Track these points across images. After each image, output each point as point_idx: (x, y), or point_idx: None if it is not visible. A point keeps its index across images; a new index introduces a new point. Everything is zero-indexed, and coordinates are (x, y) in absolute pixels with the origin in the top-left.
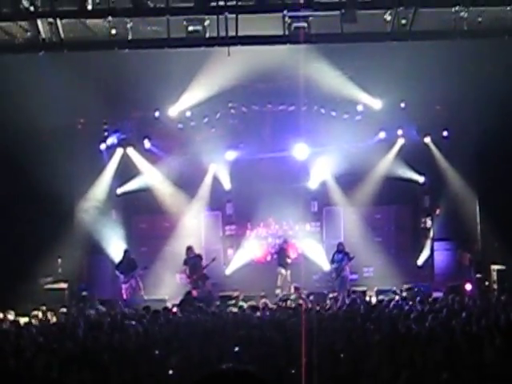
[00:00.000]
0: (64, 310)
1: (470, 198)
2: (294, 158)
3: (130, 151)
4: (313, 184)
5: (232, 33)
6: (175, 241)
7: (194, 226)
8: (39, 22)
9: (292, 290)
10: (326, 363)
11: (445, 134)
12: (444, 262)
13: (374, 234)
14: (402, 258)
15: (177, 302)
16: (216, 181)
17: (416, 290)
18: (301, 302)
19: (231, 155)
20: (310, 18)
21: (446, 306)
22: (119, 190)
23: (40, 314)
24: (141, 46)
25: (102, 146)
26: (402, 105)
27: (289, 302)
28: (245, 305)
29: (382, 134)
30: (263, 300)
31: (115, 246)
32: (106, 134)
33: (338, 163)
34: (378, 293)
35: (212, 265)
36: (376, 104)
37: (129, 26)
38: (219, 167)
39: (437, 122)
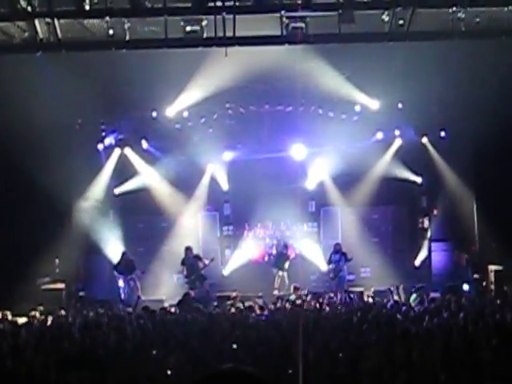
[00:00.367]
0: (61, 310)
1: (467, 198)
2: (291, 158)
3: (128, 151)
4: (310, 184)
5: (229, 33)
6: (173, 241)
7: (191, 227)
8: (37, 22)
9: (292, 290)
10: (323, 363)
11: (442, 134)
12: (441, 263)
13: (372, 234)
14: (399, 259)
15: (175, 302)
16: (213, 181)
17: (414, 290)
18: (299, 301)
19: (229, 156)
20: (308, 19)
21: (444, 306)
22: (117, 190)
23: (37, 314)
24: (138, 46)
25: (100, 146)
26: (400, 105)
27: (287, 303)
28: (242, 305)
29: (380, 135)
30: (261, 300)
31: (113, 246)
32: (103, 134)
33: (336, 164)
34: (376, 293)
35: (210, 265)
36: (373, 104)
37: (126, 26)
38: (217, 167)
39: (434, 122)
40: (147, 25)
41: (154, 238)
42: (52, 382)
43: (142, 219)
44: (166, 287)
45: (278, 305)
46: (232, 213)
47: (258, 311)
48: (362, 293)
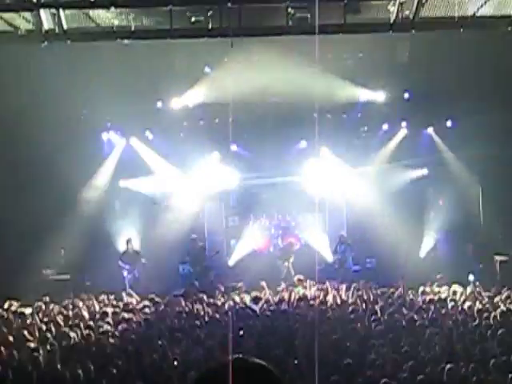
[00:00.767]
0: (67, 300)
1: (473, 188)
2: (297, 148)
3: (134, 141)
4: (315, 175)
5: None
6: (178, 232)
7: (197, 217)
8: (42, 12)
9: (296, 282)
10: (329, 354)
11: (448, 124)
12: (447, 253)
13: (377, 224)
14: (404, 250)
15: (180, 292)
16: (219, 172)
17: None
18: (304, 293)
19: (235, 146)
20: (313, 9)
21: (449, 297)
22: (122, 183)
23: (43, 305)
24: (143, 36)
25: (105, 137)
26: (406, 95)
27: (292, 294)
28: (248, 296)
29: (385, 126)
30: (266, 291)
31: (118, 236)
32: (108, 124)
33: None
34: (381, 284)
35: (215, 256)
36: (379, 96)
37: (131, 16)
38: (223, 158)
39: (440, 112)
40: (152, 15)
41: (159, 229)
42: (57, 371)
43: (148, 209)
44: (171, 277)
45: (284, 295)
46: (237, 203)
47: (264, 302)
48: (367, 283)
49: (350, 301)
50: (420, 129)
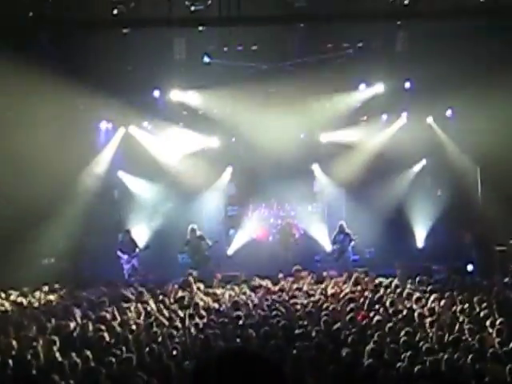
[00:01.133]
0: (66, 290)
1: (472, 178)
2: (297, 137)
3: (132, 129)
4: (315, 164)
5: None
6: (177, 221)
7: (196, 206)
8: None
9: (293, 272)
10: (327, 344)
11: (448, 113)
12: (445, 243)
13: (375, 214)
14: (403, 239)
15: (178, 282)
16: (218, 161)
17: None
18: (302, 283)
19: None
20: None
21: (448, 286)
22: (120, 174)
23: (42, 295)
24: (143, 25)
25: (103, 126)
26: (407, 84)
27: (290, 284)
28: (246, 285)
29: (385, 116)
30: (265, 281)
31: (117, 225)
32: (106, 113)
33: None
34: (380, 273)
35: (214, 245)
36: (379, 88)
37: (131, 5)
38: (222, 147)
39: (440, 101)
40: (152, 4)
41: (157, 218)
42: (56, 361)
43: (147, 198)
44: (170, 267)
45: (283, 285)
46: (237, 193)
47: (262, 291)
48: (366, 273)
49: (349, 290)
50: (419, 118)
